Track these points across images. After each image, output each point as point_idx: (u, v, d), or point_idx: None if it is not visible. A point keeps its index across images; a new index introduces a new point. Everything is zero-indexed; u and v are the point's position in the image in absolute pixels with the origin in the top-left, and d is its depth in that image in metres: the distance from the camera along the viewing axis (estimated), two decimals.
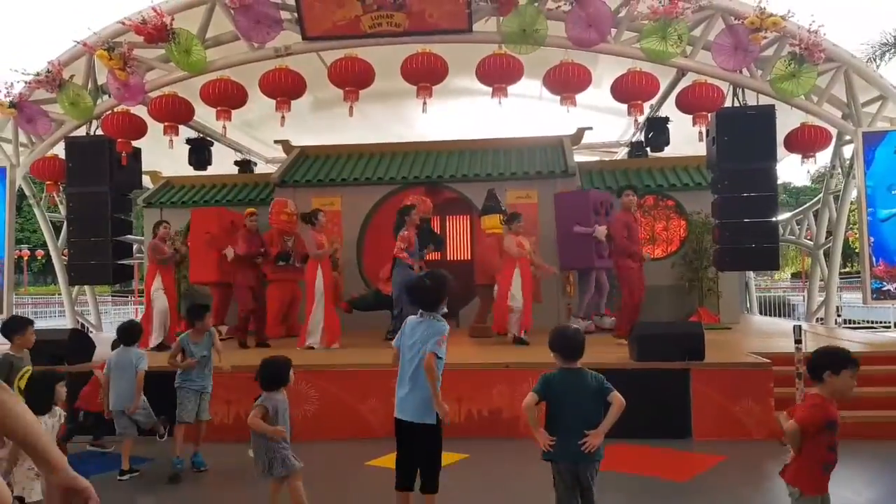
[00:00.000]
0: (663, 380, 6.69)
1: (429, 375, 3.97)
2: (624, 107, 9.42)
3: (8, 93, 9.70)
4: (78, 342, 7.62)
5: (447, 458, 5.78)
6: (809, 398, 3.41)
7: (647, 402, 6.59)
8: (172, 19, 8.66)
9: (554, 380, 3.74)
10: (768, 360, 6.70)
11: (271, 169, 13.88)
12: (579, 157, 12.80)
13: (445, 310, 4.25)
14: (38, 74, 9.37)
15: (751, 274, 14.64)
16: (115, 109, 9.60)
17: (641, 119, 10.20)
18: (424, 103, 9.10)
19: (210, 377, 6.01)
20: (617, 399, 3.67)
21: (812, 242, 11.17)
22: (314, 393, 6.86)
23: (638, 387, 6.62)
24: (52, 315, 22.40)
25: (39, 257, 34.15)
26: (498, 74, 8.89)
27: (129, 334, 6.08)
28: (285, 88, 9.22)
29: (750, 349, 7.53)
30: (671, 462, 6.01)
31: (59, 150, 10.16)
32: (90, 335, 8.92)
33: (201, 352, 5.89)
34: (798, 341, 6.31)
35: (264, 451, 4.29)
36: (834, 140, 9.85)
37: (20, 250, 31.57)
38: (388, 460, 6.06)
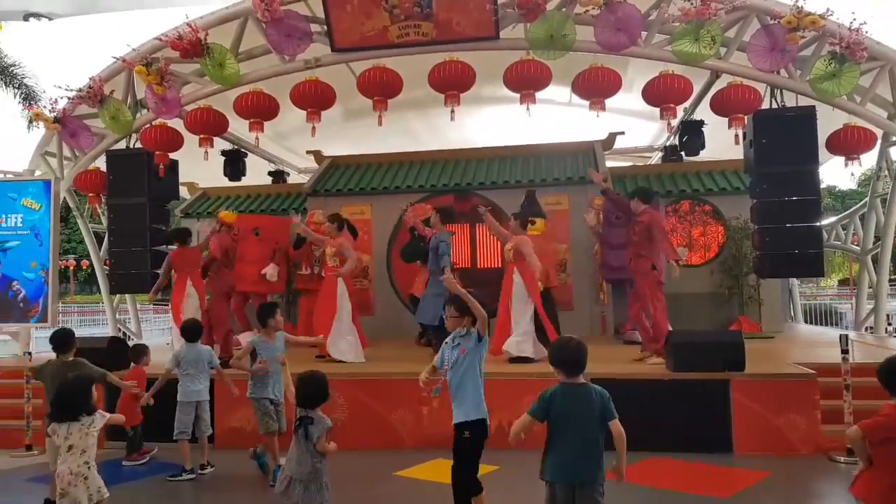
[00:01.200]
0: (702, 391, 6.51)
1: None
2: (657, 110, 9.24)
3: (52, 108, 9.99)
4: (117, 350, 7.74)
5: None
6: (886, 407, 3.26)
7: (685, 414, 6.48)
8: (207, 34, 8.80)
9: (555, 396, 3.51)
10: (813, 371, 6.46)
11: (304, 179, 14.02)
12: (612, 163, 12.64)
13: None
14: (80, 90, 9.62)
15: (795, 281, 14.22)
16: (153, 123, 9.79)
17: (675, 122, 10.00)
18: (452, 111, 9.08)
19: (282, 386, 5.83)
20: (617, 430, 3.45)
21: (859, 248, 10.82)
22: (343, 401, 6.86)
23: (675, 399, 6.53)
24: (97, 323, 22.93)
25: (85, 267, 35.05)
26: (526, 81, 8.81)
27: (194, 331, 6.30)
28: (315, 99, 9.28)
29: (794, 359, 7.28)
30: (711, 477, 5.83)
31: (101, 164, 10.40)
32: (130, 343, 9.06)
33: (271, 354, 5.76)
34: (845, 351, 6.09)
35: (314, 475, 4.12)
36: (879, 141, 9.50)
37: (67, 260, 32.48)
38: (418, 471, 6.06)
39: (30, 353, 7.75)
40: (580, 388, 3.52)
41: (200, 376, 6.21)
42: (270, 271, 9.28)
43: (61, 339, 5.54)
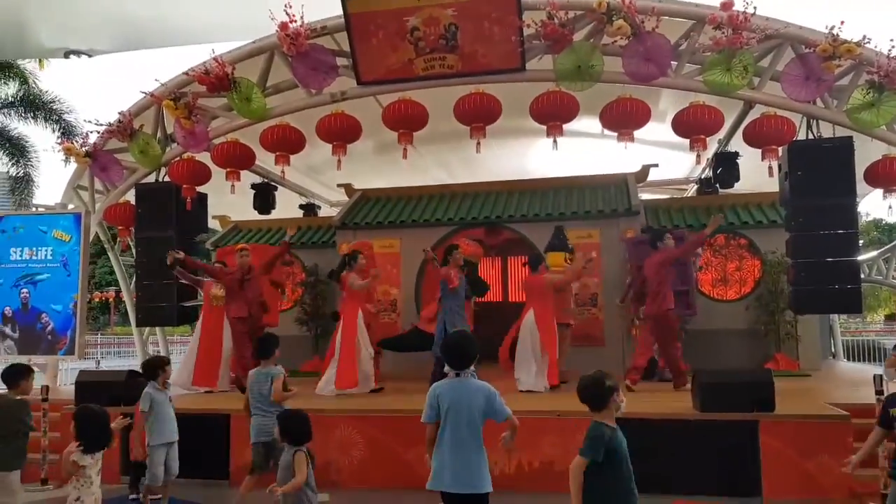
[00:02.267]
0: (730, 432, 6.19)
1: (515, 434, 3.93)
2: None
3: (84, 143, 10.20)
4: (136, 384, 7.71)
5: None
6: None
7: (712, 456, 6.19)
8: (234, 69, 8.91)
9: (610, 437, 3.43)
10: (846, 413, 6.12)
11: (335, 212, 14.06)
12: (645, 195, 12.41)
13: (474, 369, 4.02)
14: (110, 125, 9.81)
15: (836, 317, 13.72)
16: (182, 156, 9.91)
17: (706, 155, 9.78)
18: (478, 143, 9.01)
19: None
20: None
21: None
22: (360, 439, 6.70)
23: (702, 439, 6.25)
24: (135, 355, 23.25)
25: (124, 299, 35.63)
26: (552, 112, 8.72)
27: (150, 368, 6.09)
28: (341, 133, 9.31)
29: (829, 399, 6.94)
30: None
31: (131, 197, 10.56)
32: None
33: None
34: (879, 392, 5.77)
35: None
36: None
37: (108, 292, 33.11)
38: None
39: (47, 387, 7.75)
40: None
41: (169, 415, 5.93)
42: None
43: (8, 375, 5.34)
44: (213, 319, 9.17)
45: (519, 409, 6.70)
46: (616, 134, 9.10)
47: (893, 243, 11.43)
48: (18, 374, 5.27)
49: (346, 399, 7.93)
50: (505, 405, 3.86)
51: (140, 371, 6.20)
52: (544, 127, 9.07)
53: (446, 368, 3.96)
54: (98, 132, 9.98)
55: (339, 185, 13.25)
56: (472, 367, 3.94)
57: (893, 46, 7.79)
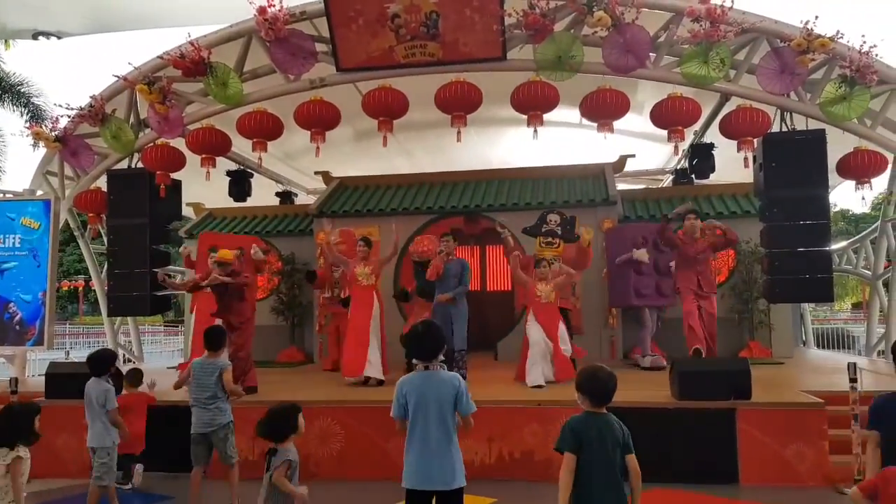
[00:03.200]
0: (707, 420, 6.31)
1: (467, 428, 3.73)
2: (668, 133, 9.12)
3: (54, 127, 9.95)
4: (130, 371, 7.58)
5: (475, 502, 5.54)
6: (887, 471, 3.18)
7: (689, 444, 6.29)
8: (210, 53, 8.74)
9: (580, 426, 3.37)
10: (821, 401, 6.25)
11: (313, 200, 13.95)
12: (622, 186, 12.50)
13: (443, 358, 3.90)
14: (81, 109, 9.57)
15: (806, 305, 13.98)
16: (156, 142, 9.72)
17: (683, 145, 9.87)
18: (459, 132, 8.97)
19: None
20: (634, 465, 3.34)
21: (870, 272, 10.60)
22: (339, 430, 6.69)
23: (680, 427, 6.35)
24: (105, 345, 22.85)
25: (94, 288, 34.98)
26: (533, 102, 8.70)
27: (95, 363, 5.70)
28: (320, 120, 9.20)
29: (803, 386, 7.09)
30: None
31: (103, 184, 10.34)
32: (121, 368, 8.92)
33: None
34: (853, 380, 5.90)
35: None
36: (891, 165, 9.32)
37: (76, 281, 32.51)
38: None
39: (16, 378, 7.60)
40: (604, 418, 3.41)
41: (99, 417, 5.50)
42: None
43: None
44: (206, 303, 8.80)
45: (500, 398, 6.81)
46: (595, 124, 9.14)
47: (863, 234, 11.65)
48: None
49: (326, 389, 7.90)
50: (471, 401, 3.70)
51: (104, 366, 5.62)
52: (524, 116, 9.08)
53: (414, 361, 3.85)
54: (69, 116, 9.74)
55: (316, 173, 13.14)
56: (440, 358, 3.80)
57: (865, 42, 7.93)
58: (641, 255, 9.32)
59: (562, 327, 8.09)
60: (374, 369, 8.11)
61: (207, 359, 5.50)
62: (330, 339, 10.57)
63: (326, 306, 10.85)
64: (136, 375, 6.92)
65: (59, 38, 13.12)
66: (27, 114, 13.68)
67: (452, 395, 3.63)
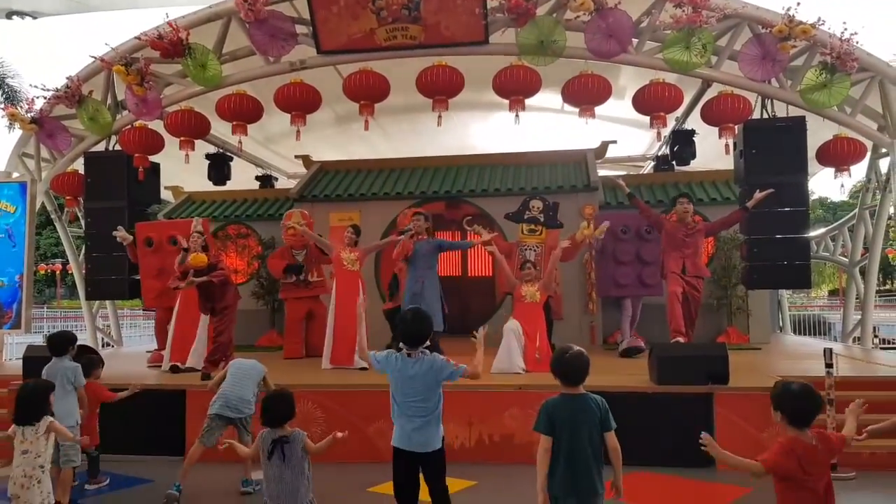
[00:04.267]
0: (685, 405, 6.36)
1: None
2: (650, 120, 9.12)
3: (30, 109, 9.77)
4: (86, 359, 7.49)
5: (454, 484, 5.55)
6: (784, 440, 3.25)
7: (667, 428, 6.34)
8: (188, 34, 8.62)
9: (556, 407, 3.44)
10: None
11: (293, 184, 13.85)
12: (604, 172, 12.52)
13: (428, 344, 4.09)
14: (58, 90, 9.41)
15: (784, 292, 14.14)
16: (134, 124, 9.59)
17: (665, 132, 9.88)
18: (440, 116, 8.94)
19: None
20: (613, 442, 3.43)
21: (847, 259, 10.73)
22: (321, 414, 6.67)
23: (658, 412, 6.40)
24: (83, 329, 22.61)
25: (71, 271, 34.52)
26: (515, 86, 8.69)
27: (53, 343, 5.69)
28: (300, 102, 9.13)
29: (780, 372, 7.15)
30: (693, 493, 5.70)
31: (80, 166, 10.19)
32: (99, 352, 8.82)
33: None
34: (829, 365, 5.97)
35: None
36: (869, 153, 9.43)
37: (53, 264, 32.11)
38: (391, 487, 5.85)
39: None
40: (580, 398, 3.47)
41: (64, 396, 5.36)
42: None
43: None
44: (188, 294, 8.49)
45: (480, 383, 6.79)
46: (576, 109, 9.13)
47: (840, 221, 11.77)
48: None
49: (305, 373, 7.88)
50: (454, 368, 3.97)
51: (66, 346, 5.59)
52: (505, 101, 9.05)
53: (400, 344, 4.03)
54: (44, 97, 9.56)
55: (296, 157, 13.04)
56: (426, 343, 4.02)
57: (846, 29, 7.97)
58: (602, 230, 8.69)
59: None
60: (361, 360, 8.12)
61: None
62: (293, 327, 9.83)
63: (286, 291, 10.07)
64: (91, 364, 6.21)
65: (34, 17, 12.88)
66: (2, 95, 13.44)
67: (434, 374, 3.92)
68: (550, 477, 3.38)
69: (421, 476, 4.02)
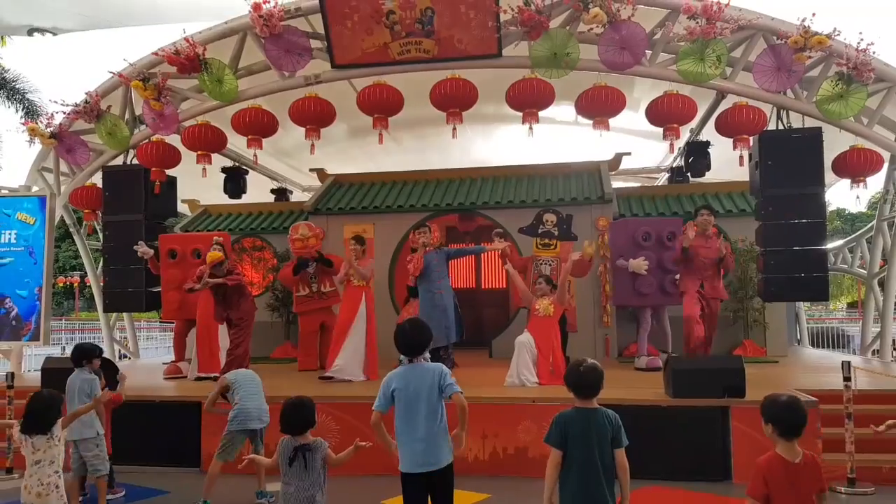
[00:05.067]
0: (701, 418, 6.29)
1: (463, 416, 3.83)
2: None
3: (49, 124, 9.93)
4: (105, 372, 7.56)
5: (468, 498, 5.55)
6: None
7: (683, 441, 6.28)
8: (205, 49, 8.74)
9: (569, 421, 3.41)
10: (815, 399, 6.23)
11: (308, 197, 13.93)
12: (618, 183, 12.50)
13: (428, 354, 4.06)
14: (77, 105, 9.56)
15: (801, 304, 13.99)
16: (151, 139, 9.71)
17: (679, 143, 9.85)
18: (454, 129, 8.98)
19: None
20: (622, 459, 3.36)
21: (865, 271, 10.61)
22: (335, 425, 6.67)
23: (674, 425, 6.33)
24: (101, 340, 22.77)
25: (89, 284, 34.84)
26: (528, 99, 8.71)
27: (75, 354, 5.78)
28: (315, 116, 9.20)
29: (797, 385, 7.05)
30: None
31: (98, 180, 10.32)
32: (117, 364, 8.88)
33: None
34: (847, 378, 5.89)
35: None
36: (887, 164, 9.34)
37: (72, 277, 32.46)
38: None
39: (12, 373, 7.57)
40: (592, 412, 3.42)
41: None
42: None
43: None
44: (207, 302, 8.61)
45: (494, 396, 6.80)
46: (590, 121, 9.14)
47: (858, 233, 11.66)
48: None
49: (319, 385, 7.89)
50: (455, 383, 3.81)
51: (99, 357, 5.78)
52: (519, 114, 9.07)
53: (401, 357, 4.04)
54: (64, 112, 9.73)
55: (311, 170, 13.12)
56: (426, 354, 3.99)
57: (862, 39, 7.93)
58: (638, 266, 8.80)
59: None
60: (341, 372, 8.06)
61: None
62: (306, 340, 9.87)
63: (299, 304, 10.02)
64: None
65: (54, 34, 13.11)
66: (22, 110, 13.66)
67: (436, 382, 3.79)
68: (561, 490, 3.36)
69: None
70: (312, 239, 9.46)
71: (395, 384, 3.84)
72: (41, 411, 4.26)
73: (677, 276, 8.62)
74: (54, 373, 7.48)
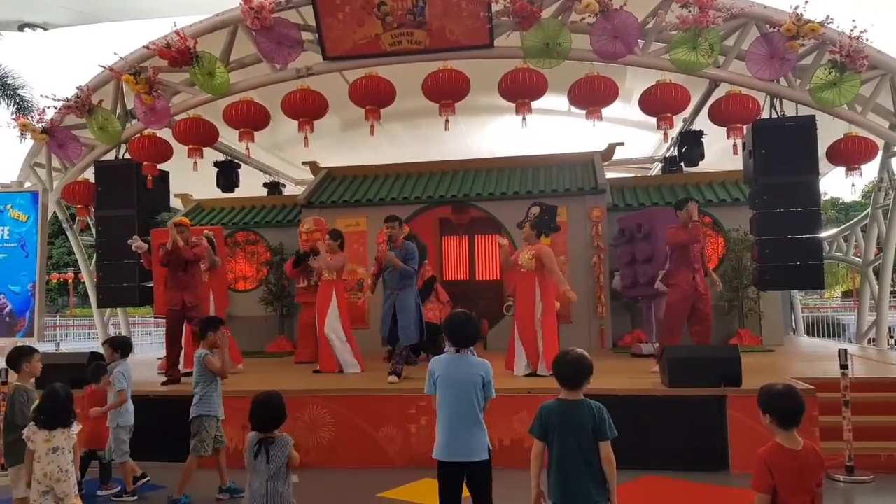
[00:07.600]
0: (698, 407, 6.29)
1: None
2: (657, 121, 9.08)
3: (40, 119, 9.84)
4: (97, 367, 7.52)
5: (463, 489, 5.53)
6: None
7: (680, 431, 6.29)
8: (196, 43, 8.65)
9: (549, 412, 3.39)
10: (812, 387, 6.24)
11: (301, 190, 13.89)
12: (611, 174, 12.49)
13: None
14: (68, 100, 9.48)
15: (796, 293, 14.02)
16: (142, 133, 9.64)
17: (673, 133, 9.83)
18: (447, 120, 8.93)
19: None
20: (607, 452, 3.29)
21: (860, 260, 10.62)
22: (329, 419, 6.66)
23: (670, 415, 6.34)
24: (95, 337, 22.72)
25: (83, 280, 34.66)
26: (521, 90, 8.65)
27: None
28: (307, 109, 9.13)
29: (793, 373, 7.07)
30: (706, 497, 5.63)
31: (91, 175, 10.25)
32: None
33: None
34: (844, 366, 5.90)
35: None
36: (881, 151, 9.34)
37: (66, 273, 32.36)
38: (403, 492, 5.84)
39: (6, 369, 7.52)
40: (576, 403, 3.37)
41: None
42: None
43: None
44: None
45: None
46: (583, 112, 9.09)
47: (853, 221, 11.67)
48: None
49: (315, 378, 7.89)
50: (493, 389, 3.97)
51: (103, 351, 6.05)
52: (512, 104, 9.03)
53: (446, 346, 4.11)
54: (55, 108, 9.62)
55: (304, 163, 13.09)
56: (472, 347, 4.05)
57: (855, 27, 7.90)
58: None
59: None
60: (349, 367, 8.28)
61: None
62: (303, 332, 10.00)
63: (301, 295, 10.28)
64: (98, 370, 6.47)
65: (45, 29, 13.01)
66: (13, 105, 13.57)
67: (480, 380, 3.90)
68: (548, 482, 3.35)
69: None
70: (317, 233, 9.59)
71: (439, 371, 3.94)
72: (65, 406, 4.34)
73: (660, 277, 8.64)
74: (49, 369, 7.42)
